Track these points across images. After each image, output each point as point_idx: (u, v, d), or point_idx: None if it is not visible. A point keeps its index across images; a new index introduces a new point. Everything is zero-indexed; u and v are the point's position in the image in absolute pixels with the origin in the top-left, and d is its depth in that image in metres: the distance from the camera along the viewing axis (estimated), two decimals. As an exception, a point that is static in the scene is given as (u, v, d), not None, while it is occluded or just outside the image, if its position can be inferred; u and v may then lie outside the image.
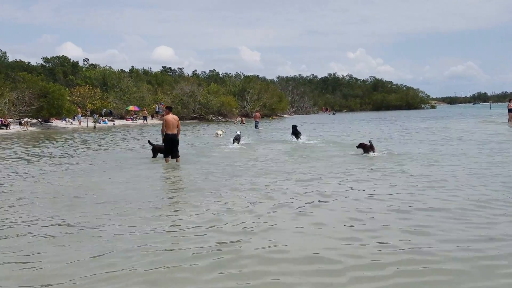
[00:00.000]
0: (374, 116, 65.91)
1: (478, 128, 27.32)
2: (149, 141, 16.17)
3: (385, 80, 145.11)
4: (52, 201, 8.41)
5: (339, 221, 6.58)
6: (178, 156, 13.47)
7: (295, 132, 21.40)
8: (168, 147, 13.40)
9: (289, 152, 16.68)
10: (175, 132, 13.42)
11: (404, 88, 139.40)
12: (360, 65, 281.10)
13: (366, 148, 15.39)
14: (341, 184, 9.44)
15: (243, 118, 35.80)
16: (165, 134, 13.32)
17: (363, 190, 8.74)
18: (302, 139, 20.98)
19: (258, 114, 36.95)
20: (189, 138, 26.32)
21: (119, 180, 10.71)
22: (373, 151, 15.11)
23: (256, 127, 34.12)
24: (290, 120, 60.64)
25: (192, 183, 10.15)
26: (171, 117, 13.41)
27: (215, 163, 13.47)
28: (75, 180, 10.83)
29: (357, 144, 16.13)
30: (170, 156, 13.45)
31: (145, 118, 51.78)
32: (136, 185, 10.04)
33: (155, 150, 15.08)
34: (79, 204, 8.03)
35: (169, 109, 13.94)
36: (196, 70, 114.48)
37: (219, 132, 25.72)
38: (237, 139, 19.62)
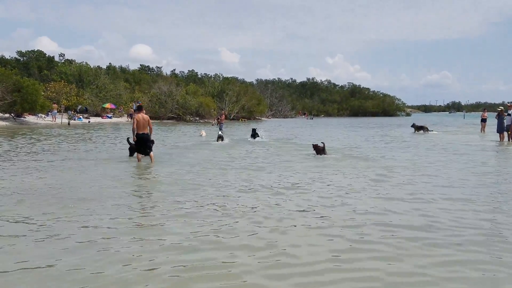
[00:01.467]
0: (350, 122, 66.84)
1: (453, 138, 27.88)
2: (127, 139, 15.92)
3: (363, 87, 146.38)
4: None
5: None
6: (150, 152, 13.69)
7: (254, 134, 25.33)
8: (139, 145, 13.68)
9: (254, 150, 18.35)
10: (146, 131, 13.74)
11: (381, 95, 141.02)
12: (339, 71, 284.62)
13: (318, 149, 16.58)
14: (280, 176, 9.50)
15: (223, 118, 35.76)
16: (136, 133, 13.63)
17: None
18: (262, 138, 25.19)
19: (223, 116, 36.85)
20: (172, 138, 26.48)
21: (90, 177, 10.49)
22: (324, 153, 16.31)
23: (220, 128, 33.96)
24: (268, 123, 60.97)
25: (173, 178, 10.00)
26: (141, 117, 13.71)
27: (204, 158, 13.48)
28: (30, 178, 10.58)
29: (312, 145, 17.36)
30: (141, 154, 13.70)
31: (130, 115, 51.40)
32: (101, 183, 9.83)
33: (132, 149, 14.91)
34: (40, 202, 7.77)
35: (139, 109, 14.18)
36: (174, 69, 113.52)
37: (203, 132, 28.26)
38: (220, 137, 22.79)
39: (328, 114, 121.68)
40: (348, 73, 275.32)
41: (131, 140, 14.80)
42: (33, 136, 25.01)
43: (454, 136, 29.22)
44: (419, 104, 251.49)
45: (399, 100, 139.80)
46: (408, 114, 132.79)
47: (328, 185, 10.07)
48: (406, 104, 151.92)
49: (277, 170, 12.38)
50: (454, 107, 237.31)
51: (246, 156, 16.49)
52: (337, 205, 7.96)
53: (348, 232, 6.25)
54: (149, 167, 12.86)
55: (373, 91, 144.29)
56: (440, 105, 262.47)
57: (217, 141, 22.44)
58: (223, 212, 7.31)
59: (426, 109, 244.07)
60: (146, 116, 13.90)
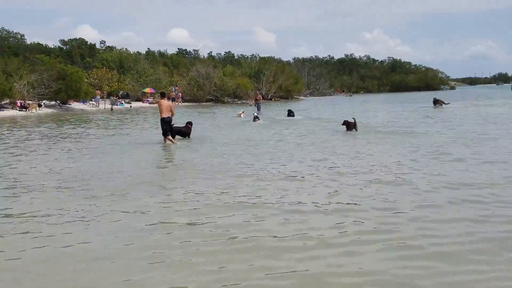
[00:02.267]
0: (391, 98, 65.84)
1: None
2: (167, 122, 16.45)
3: (404, 61, 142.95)
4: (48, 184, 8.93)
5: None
6: (171, 135, 14.99)
7: (289, 113, 27.12)
8: (164, 128, 14.91)
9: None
10: (169, 115, 14.89)
11: (423, 68, 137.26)
12: (378, 46, 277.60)
13: (349, 125, 16.70)
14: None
15: (260, 97, 36.19)
16: (161, 117, 14.91)
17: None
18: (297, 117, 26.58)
19: (260, 96, 37.15)
20: (211, 119, 27.45)
21: (137, 160, 11.30)
22: (356, 129, 16.40)
23: (258, 108, 34.31)
24: (305, 101, 60.98)
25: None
26: (164, 102, 15.04)
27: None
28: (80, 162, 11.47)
29: (342, 122, 17.58)
30: (168, 135, 14.91)
31: (172, 99, 52.75)
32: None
33: (173, 131, 15.64)
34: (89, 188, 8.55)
35: (162, 95, 15.66)
36: (211, 52, 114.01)
37: (241, 113, 28.96)
38: (256, 117, 23.99)
39: (368, 91, 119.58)
40: (387, 48, 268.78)
41: (176, 124, 16.19)
42: (82, 123, 26.25)
43: (500, 109, 28.72)
44: (464, 77, 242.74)
45: (442, 73, 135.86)
46: (452, 88, 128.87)
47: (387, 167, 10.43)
48: (450, 77, 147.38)
49: (315, 150, 12.84)
50: (501, 79, 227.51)
51: (279, 135, 16.91)
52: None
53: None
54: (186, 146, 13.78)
55: (415, 65, 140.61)
56: (486, 77, 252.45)
57: (254, 121, 23.64)
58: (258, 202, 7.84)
59: (472, 81, 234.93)
60: (168, 102, 15.27)
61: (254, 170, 9.55)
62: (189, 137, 16.11)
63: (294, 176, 8.75)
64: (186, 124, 16.59)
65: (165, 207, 6.73)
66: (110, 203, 6.91)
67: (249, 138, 16.15)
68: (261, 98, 37.07)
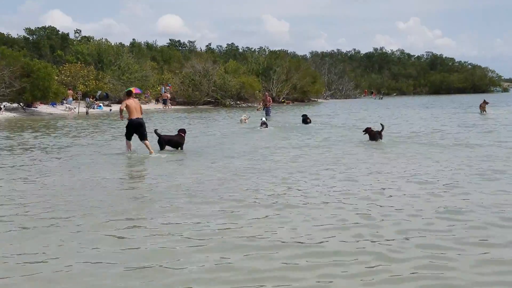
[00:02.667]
0: (430, 101, 65.40)
1: None
2: (155, 131, 16.38)
3: (445, 57, 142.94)
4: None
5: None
6: (146, 140, 15.11)
7: (305, 119, 27.32)
8: (133, 132, 15.21)
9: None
10: (140, 116, 15.26)
11: (469, 66, 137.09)
12: (414, 38, 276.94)
13: (372, 134, 17.24)
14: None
15: (269, 100, 35.79)
16: (130, 119, 15.12)
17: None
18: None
19: (269, 99, 36.42)
20: (206, 126, 27.36)
21: (113, 177, 10.77)
22: (380, 138, 16.99)
23: (267, 114, 33.79)
24: (324, 105, 60.65)
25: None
26: (133, 101, 15.28)
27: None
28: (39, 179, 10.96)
29: (364, 129, 18.05)
30: (144, 140, 15.14)
31: (164, 101, 53.21)
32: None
33: (163, 141, 15.69)
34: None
35: (128, 94, 15.70)
36: (210, 44, 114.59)
37: (244, 117, 29.11)
38: (264, 123, 24.42)
39: (401, 92, 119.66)
40: (426, 40, 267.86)
41: (159, 131, 16.31)
42: (46, 130, 25.87)
43: None
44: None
45: (493, 72, 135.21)
46: (505, 90, 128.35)
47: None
48: (503, 77, 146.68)
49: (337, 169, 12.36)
50: None
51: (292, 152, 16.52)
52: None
53: None
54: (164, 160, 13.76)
55: (459, 62, 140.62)
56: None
57: (261, 127, 24.27)
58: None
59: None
60: (137, 100, 15.58)
61: (265, 198, 8.91)
62: (182, 148, 15.96)
63: (321, 208, 8.12)
64: (178, 132, 16.43)
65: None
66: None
67: (255, 149, 15.83)
68: (271, 101, 36.61)
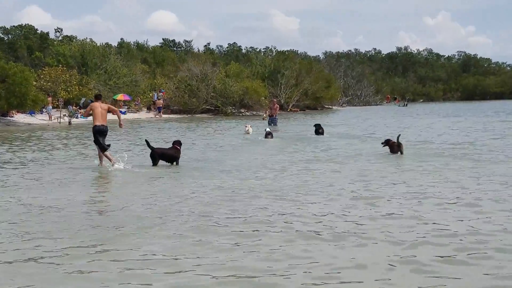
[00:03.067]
0: (462, 109, 65.34)
1: None
2: (146, 141, 16.46)
3: (480, 57, 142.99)
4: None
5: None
6: (107, 151, 15.64)
7: (317, 130, 27.83)
8: (98, 139, 15.67)
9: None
10: (105, 123, 15.97)
11: (508, 68, 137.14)
12: (443, 36, 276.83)
13: (393, 146, 17.96)
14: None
15: (276, 108, 36.19)
16: (94, 125, 15.77)
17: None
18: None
19: (277, 106, 36.75)
20: (204, 137, 27.48)
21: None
22: (401, 152, 17.62)
23: (274, 123, 34.14)
24: (339, 114, 60.79)
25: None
26: (99, 105, 15.98)
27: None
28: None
29: (383, 141, 18.69)
30: (105, 150, 15.64)
31: (159, 109, 54.60)
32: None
33: (156, 155, 15.73)
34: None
35: (97, 98, 16.63)
36: (209, 43, 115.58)
37: (248, 128, 29.73)
38: (269, 133, 25.38)
39: (429, 98, 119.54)
40: (457, 39, 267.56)
41: (151, 143, 16.24)
42: (23, 142, 26.39)
43: None
44: None
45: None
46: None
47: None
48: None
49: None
50: None
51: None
52: None
53: None
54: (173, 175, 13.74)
55: (496, 63, 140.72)
56: None
57: (266, 137, 25.19)
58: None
59: None
60: (104, 105, 16.30)
61: (276, 228, 8.34)
62: (177, 163, 16.10)
63: (344, 241, 7.61)
64: (173, 144, 16.52)
65: None
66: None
67: (262, 165, 16.03)
68: (278, 108, 37.01)
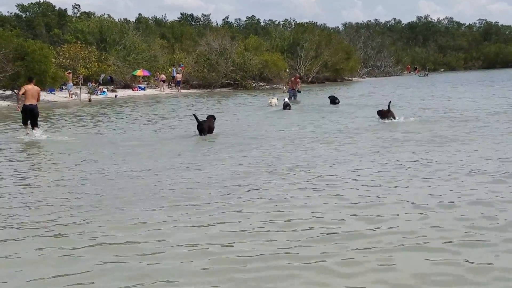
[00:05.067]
0: (485, 77, 64.51)
1: None
2: (194, 115, 18.31)
3: (501, 25, 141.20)
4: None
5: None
6: (37, 126, 18.40)
7: (333, 100, 29.99)
8: (26, 117, 18.34)
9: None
10: (34, 102, 18.24)
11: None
12: (463, 4, 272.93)
13: (383, 113, 19.67)
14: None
15: (299, 82, 35.70)
16: (24, 104, 18.27)
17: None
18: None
19: (299, 81, 36.08)
20: (229, 112, 28.21)
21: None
22: (392, 117, 19.30)
23: (294, 97, 33.58)
24: (359, 85, 60.36)
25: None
26: (31, 87, 18.41)
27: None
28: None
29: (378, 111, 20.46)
30: (29, 126, 18.31)
31: (178, 83, 54.88)
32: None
33: (204, 126, 17.41)
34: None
35: (30, 79, 19.19)
36: (227, 17, 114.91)
37: (273, 101, 30.52)
38: (287, 105, 26.86)
39: (450, 68, 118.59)
40: (478, 6, 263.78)
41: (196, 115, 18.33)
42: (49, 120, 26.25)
43: None
44: None
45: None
46: None
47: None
48: None
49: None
50: None
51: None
52: None
53: None
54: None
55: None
56: None
57: (284, 109, 26.70)
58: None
59: None
60: (36, 87, 18.76)
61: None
62: (211, 132, 17.70)
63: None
64: (208, 118, 18.32)
65: None
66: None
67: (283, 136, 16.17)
68: (300, 82, 36.41)
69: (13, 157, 14.10)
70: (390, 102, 20.81)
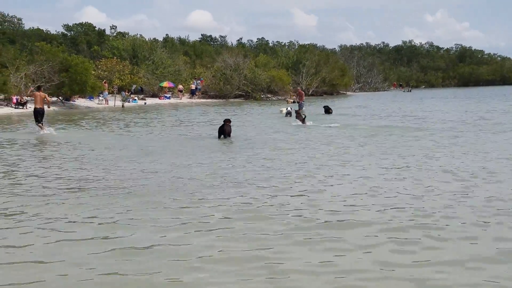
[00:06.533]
0: (459, 93, 64.27)
1: None
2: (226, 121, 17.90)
3: (474, 49, 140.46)
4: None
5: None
6: (42, 122, 20.19)
7: (327, 110, 30.17)
8: (36, 116, 20.22)
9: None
10: (42, 106, 20.29)
11: (498, 58, 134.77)
12: (442, 31, 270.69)
13: (298, 114, 22.63)
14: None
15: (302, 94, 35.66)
16: (34, 108, 20.31)
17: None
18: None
19: (302, 92, 36.01)
20: (247, 118, 28.07)
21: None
22: (301, 118, 22.07)
23: (301, 107, 33.58)
24: (352, 98, 60.16)
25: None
26: (39, 94, 20.61)
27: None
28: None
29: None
30: (40, 123, 20.13)
31: (192, 92, 56.21)
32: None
33: (225, 130, 17.19)
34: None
35: (38, 88, 22.23)
36: (241, 38, 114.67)
37: (283, 109, 30.52)
38: (289, 113, 27.33)
39: (430, 85, 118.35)
40: (454, 33, 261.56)
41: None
42: (91, 121, 26.23)
43: None
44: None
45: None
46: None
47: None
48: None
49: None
50: None
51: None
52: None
53: None
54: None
55: (488, 54, 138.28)
56: None
57: (286, 116, 27.28)
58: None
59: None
60: (43, 94, 20.85)
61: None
62: (229, 136, 17.32)
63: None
64: (225, 122, 17.63)
65: None
66: None
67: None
68: (303, 94, 36.36)
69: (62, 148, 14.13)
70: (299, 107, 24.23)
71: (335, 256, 5.50)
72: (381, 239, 6.04)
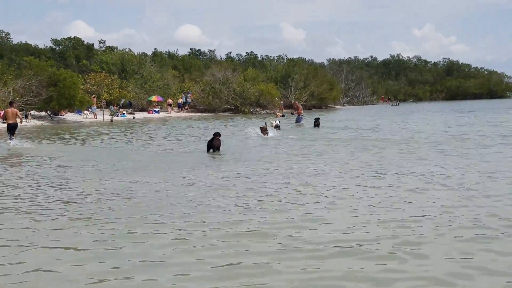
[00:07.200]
0: (446, 107, 64.75)
1: None
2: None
3: (461, 63, 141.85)
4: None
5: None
6: (14, 134, 21.22)
7: (316, 122, 30.45)
8: (9, 130, 21.24)
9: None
10: (15, 121, 21.28)
11: (486, 72, 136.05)
12: (429, 45, 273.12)
13: (262, 128, 23.83)
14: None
15: (300, 107, 36.14)
16: (8, 123, 21.32)
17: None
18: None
19: (299, 105, 36.66)
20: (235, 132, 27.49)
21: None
22: (267, 133, 23.45)
23: (299, 121, 34.36)
24: (340, 112, 60.42)
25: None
26: (10, 110, 21.42)
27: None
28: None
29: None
30: (12, 136, 21.04)
31: (178, 105, 56.86)
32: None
33: (214, 144, 17.02)
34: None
35: (10, 104, 22.41)
36: (230, 52, 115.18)
37: (273, 122, 30.67)
38: (277, 126, 28.30)
39: (418, 98, 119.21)
40: (441, 47, 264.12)
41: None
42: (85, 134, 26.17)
43: None
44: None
45: (509, 77, 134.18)
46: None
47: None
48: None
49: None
50: None
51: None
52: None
53: None
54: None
55: (475, 68, 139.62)
56: None
57: (273, 128, 27.31)
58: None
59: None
60: (14, 110, 21.59)
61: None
62: (218, 150, 17.12)
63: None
64: (214, 135, 17.38)
65: None
66: None
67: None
68: (301, 108, 36.95)
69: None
70: (265, 123, 25.11)
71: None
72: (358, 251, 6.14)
